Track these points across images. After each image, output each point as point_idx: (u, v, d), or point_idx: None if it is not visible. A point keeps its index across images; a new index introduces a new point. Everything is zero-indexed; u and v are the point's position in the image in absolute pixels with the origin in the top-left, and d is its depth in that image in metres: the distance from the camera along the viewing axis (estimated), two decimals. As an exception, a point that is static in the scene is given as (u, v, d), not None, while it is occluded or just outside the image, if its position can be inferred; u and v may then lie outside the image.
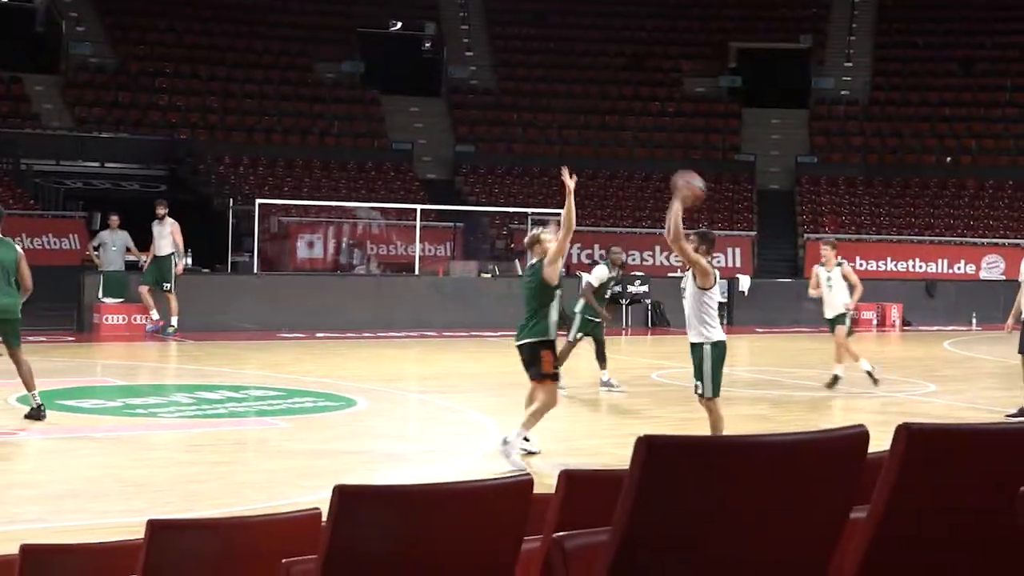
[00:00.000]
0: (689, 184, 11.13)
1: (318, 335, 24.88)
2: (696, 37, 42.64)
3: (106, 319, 23.83)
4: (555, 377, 12.18)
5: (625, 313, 29.13)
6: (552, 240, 12.02)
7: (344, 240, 31.22)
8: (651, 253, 33.25)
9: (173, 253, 23.59)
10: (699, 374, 11.77)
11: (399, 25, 42.48)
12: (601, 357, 17.80)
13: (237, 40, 38.44)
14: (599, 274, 17.89)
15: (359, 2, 41.56)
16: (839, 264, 18.37)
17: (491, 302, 26.95)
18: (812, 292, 18.64)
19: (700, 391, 11.85)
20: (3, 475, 11.47)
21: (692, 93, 41.56)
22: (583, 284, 18.13)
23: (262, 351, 22.68)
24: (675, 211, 10.92)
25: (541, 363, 12.05)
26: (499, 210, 33.02)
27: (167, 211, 23.81)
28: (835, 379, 18.03)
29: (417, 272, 28.83)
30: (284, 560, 3.94)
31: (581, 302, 17.76)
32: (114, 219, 24.56)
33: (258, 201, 28.58)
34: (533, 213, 32.55)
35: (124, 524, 9.38)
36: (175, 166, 33.94)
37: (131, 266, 25.02)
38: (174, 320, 23.49)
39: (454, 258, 31.41)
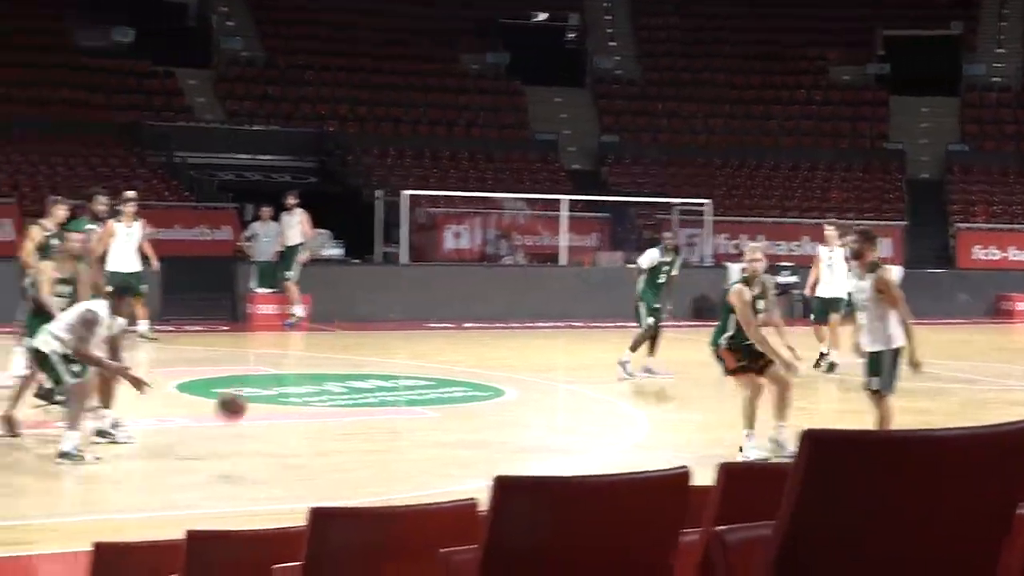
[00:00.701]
0: None
1: (465, 325, 25.04)
2: (842, 25, 42.04)
3: (259, 309, 24.23)
4: (741, 371, 12.24)
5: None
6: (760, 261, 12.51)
7: (491, 231, 31.36)
8: (798, 243, 32.86)
9: (301, 243, 23.92)
10: (875, 371, 11.61)
11: (543, 16, 42.51)
12: (653, 344, 17.65)
13: (384, 32, 38.76)
14: (650, 256, 17.99)
15: (506, -7, 41.73)
16: (842, 245, 18.21)
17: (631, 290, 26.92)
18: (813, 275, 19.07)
19: (874, 387, 11.67)
20: (163, 462, 11.74)
21: (839, 81, 41.01)
22: (635, 267, 18.29)
23: (411, 341, 22.88)
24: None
25: (723, 364, 12.18)
26: (645, 200, 32.91)
27: (297, 202, 24.15)
28: (831, 365, 18.24)
29: (564, 262, 28.85)
30: (442, 550, 3.99)
31: (640, 285, 17.90)
32: (266, 211, 24.97)
33: (406, 192, 28.84)
34: (679, 203, 32.43)
35: (277, 511, 9.56)
36: (324, 158, 34.36)
37: (282, 256, 25.44)
38: (296, 310, 23.81)
39: (600, 248, 31.37)
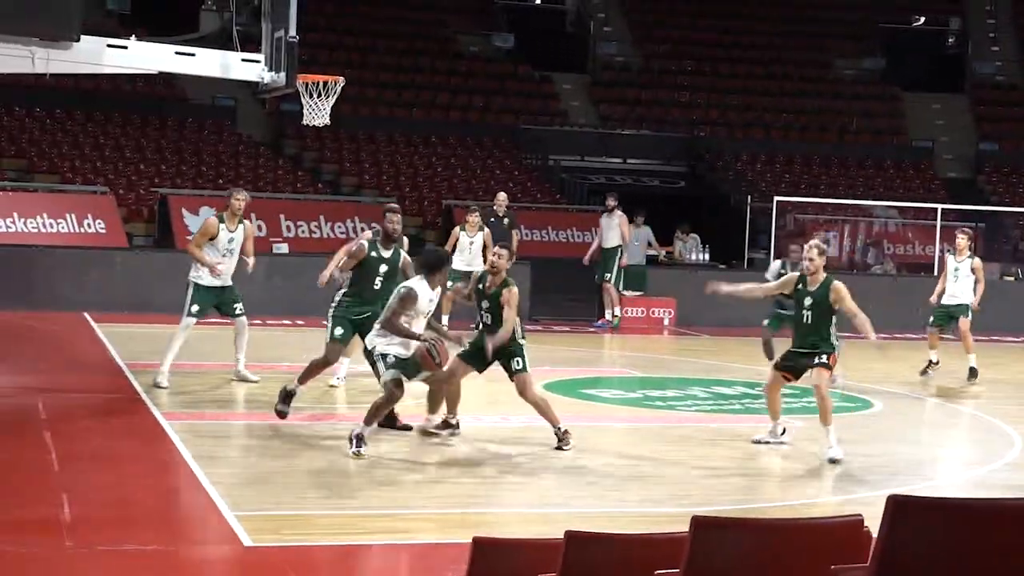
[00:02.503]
0: None
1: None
2: None
3: (627, 312, 24.43)
4: None
5: None
6: None
7: (860, 238, 30.77)
8: None
9: (620, 246, 23.94)
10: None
11: (922, 20, 41.46)
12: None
13: (756, 37, 38.56)
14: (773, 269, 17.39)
15: (882, -2, 40.86)
16: (970, 257, 18.26)
17: (1015, 305, 26.02)
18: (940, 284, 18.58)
19: None
20: (527, 459, 11.97)
21: None
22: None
23: (779, 348, 22.63)
24: None
25: None
26: (1022, 211, 31.69)
27: (617, 203, 24.18)
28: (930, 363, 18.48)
29: (936, 273, 27.98)
30: (833, 567, 3.95)
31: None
32: (639, 217, 25.22)
33: (776, 198, 28.60)
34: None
35: (644, 514, 9.64)
36: (694, 163, 34.43)
37: (651, 260, 25.60)
38: (617, 311, 23.82)
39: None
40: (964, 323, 18.27)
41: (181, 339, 14.77)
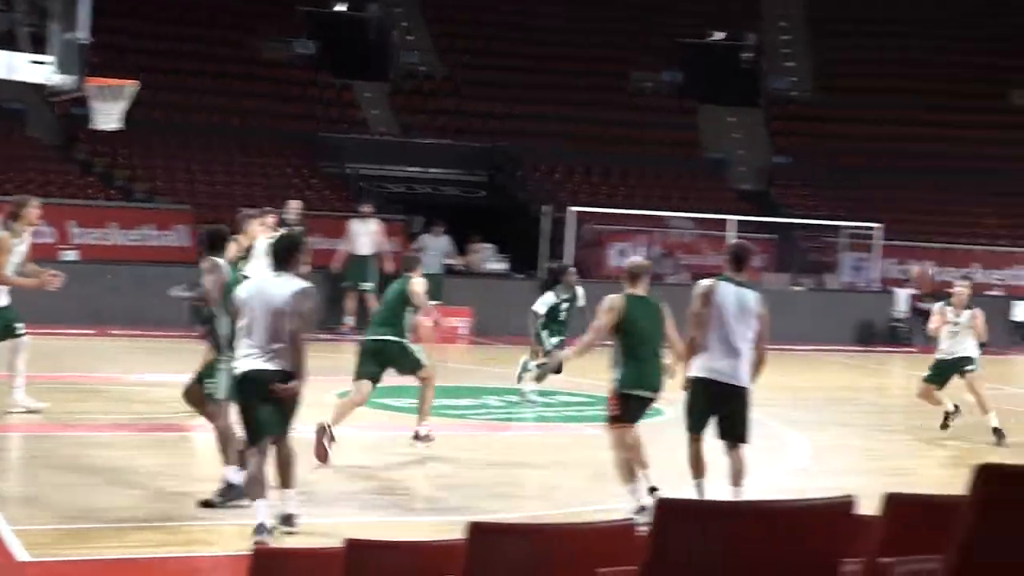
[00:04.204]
0: None
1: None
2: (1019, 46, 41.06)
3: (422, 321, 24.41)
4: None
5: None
6: None
7: (656, 249, 31.24)
8: (969, 269, 32.16)
9: (375, 255, 24.39)
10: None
11: (719, 35, 42.27)
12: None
13: (557, 49, 38.89)
14: (545, 301, 17.22)
15: (679, 12, 41.52)
16: (970, 307, 15.97)
17: (802, 315, 26.62)
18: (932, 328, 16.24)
19: None
20: (320, 471, 11.86)
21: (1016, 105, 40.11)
22: (533, 314, 17.08)
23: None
24: None
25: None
26: (815, 222, 32.52)
27: (372, 211, 24.69)
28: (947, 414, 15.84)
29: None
30: (600, 570, 3.96)
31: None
32: (437, 227, 25.34)
33: (573, 208, 28.88)
34: (848, 227, 31.98)
35: (435, 523, 9.62)
36: (494, 172, 34.58)
37: (448, 270, 25.69)
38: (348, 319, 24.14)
39: (767, 270, 31.05)
40: (972, 379, 15.74)
41: None
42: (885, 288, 30.92)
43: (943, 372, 15.80)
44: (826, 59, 41.41)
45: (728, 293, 10.18)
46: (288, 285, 9.28)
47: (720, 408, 10.21)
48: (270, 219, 17.98)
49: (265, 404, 9.10)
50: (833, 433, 15.95)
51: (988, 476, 2.61)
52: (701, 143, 38.21)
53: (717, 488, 10.18)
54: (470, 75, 37.48)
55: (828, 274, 31.71)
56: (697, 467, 10.36)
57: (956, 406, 15.71)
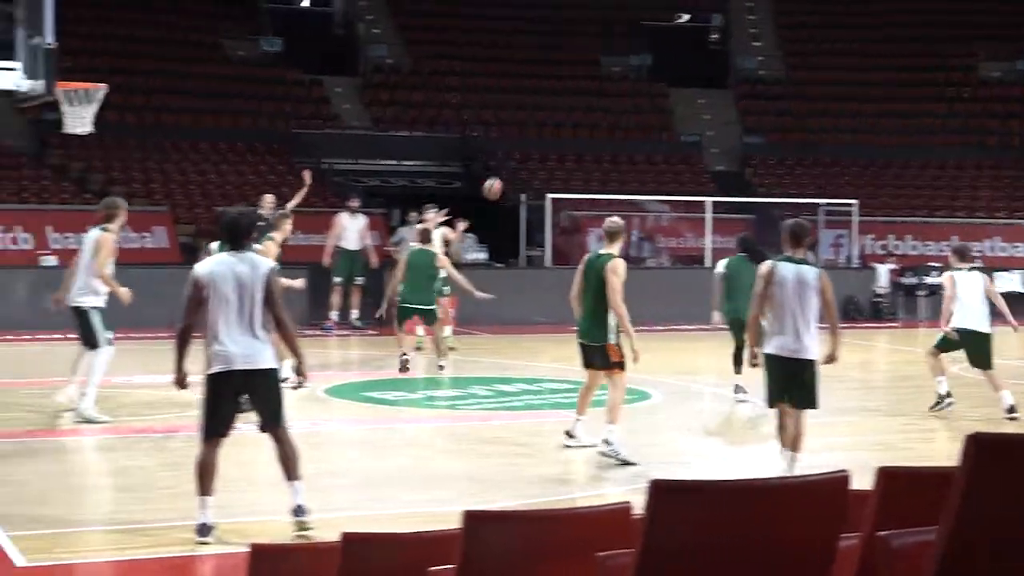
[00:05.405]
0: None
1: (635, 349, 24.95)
2: (989, 19, 41.19)
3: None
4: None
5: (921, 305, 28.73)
6: None
7: (634, 233, 31.29)
8: (948, 243, 32.34)
9: (364, 248, 24.49)
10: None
11: (686, 17, 42.35)
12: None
13: (525, 37, 38.91)
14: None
15: (646, -5, 41.60)
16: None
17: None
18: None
19: None
20: (315, 464, 11.88)
21: (988, 78, 40.25)
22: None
23: (556, 344, 22.86)
24: None
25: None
26: (790, 201, 32.59)
27: (360, 204, 24.77)
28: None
29: (708, 264, 28.65)
30: (598, 553, 4.01)
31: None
32: (413, 215, 25.21)
33: (549, 196, 28.92)
34: (825, 204, 32.08)
35: (429, 513, 9.65)
36: (468, 162, 34.59)
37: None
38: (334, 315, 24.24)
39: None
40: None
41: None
42: (865, 264, 31.03)
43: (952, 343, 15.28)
44: (793, 37, 41.50)
45: (788, 272, 10.73)
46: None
47: (791, 381, 10.80)
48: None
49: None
50: (820, 410, 16.02)
51: (979, 445, 2.66)
52: (673, 126, 38.27)
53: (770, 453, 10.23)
54: (438, 66, 37.46)
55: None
56: (784, 438, 10.96)
57: (949, 393, 15.22)
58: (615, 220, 12.85)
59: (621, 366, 12.36)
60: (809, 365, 10.76)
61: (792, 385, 10.82)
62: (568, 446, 12.60)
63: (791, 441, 10.93)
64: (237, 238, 9.11)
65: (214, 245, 13.88)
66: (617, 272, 12.36)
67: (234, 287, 8.90)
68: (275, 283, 9.10)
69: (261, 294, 8.93)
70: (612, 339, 12.39)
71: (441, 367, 18.12)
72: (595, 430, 12.45)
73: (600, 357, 12.39)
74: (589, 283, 12.50)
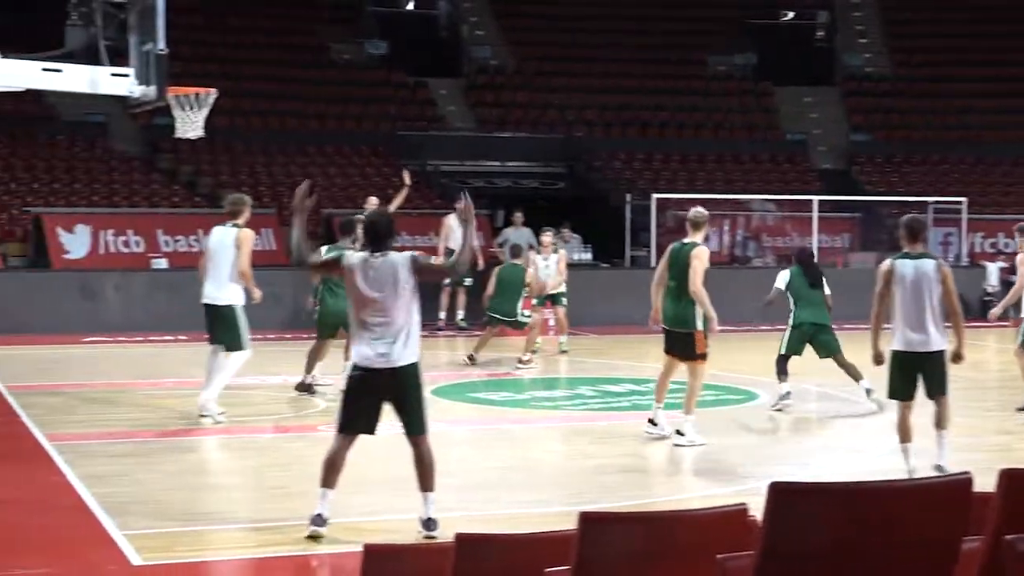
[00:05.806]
0: None
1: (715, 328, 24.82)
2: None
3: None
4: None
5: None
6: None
7: (740, 232, 31.14)
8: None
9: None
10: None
11: (791, 15, 42.04)
12: None
13: (629, 37, 38.82)
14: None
15: (750, -7, 41.34)
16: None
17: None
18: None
19: None
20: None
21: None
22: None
23: (661, 345, 22.82)
24: None
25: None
26: (897, 199, 32.23)
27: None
28: None
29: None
30: (719, 556, 4.00)
31: None
32: (518, 216, 25.33)
33: (654, 196, 28.84)
34: (934, 201, 31.67)
35: (538, 514, 9.67)
36: (572, 163, 34.60)
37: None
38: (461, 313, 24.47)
39: (852, 249, 30.84)
40: None
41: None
42: (974, 262, 30.59)
43: None
44: (900, 33, 41.04)
45: (907, 268, 10.88)
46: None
47: (919, 374, 11.02)
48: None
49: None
50: (931, 411, 15.83)
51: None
52: (779, 124, 38.00)
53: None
54: (542, 67, 37.51)
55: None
56: (904, 433, 11.15)
57: None
58: (699, 210, 13.23)
59: (704, 357, 12.70)
60: (938, 356, 10.94)
61: (923, 377, 10.99)
62: (649, 433, 12.73)
63: (936, 420, 11.10)
64: (378, 239, 9.15)
65: (323, 248, 14.03)
66: (701, 258, 12.70)
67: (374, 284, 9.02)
68: (427, 267, 9.33)
69: (409, 287, 9.01)
70: (699, 325, 12.64)
71: (521, 361, 18.73)
72: (701, 427, 12.39)
73: (683, 345, 12.66)
74: (674, 271, 12.77)
